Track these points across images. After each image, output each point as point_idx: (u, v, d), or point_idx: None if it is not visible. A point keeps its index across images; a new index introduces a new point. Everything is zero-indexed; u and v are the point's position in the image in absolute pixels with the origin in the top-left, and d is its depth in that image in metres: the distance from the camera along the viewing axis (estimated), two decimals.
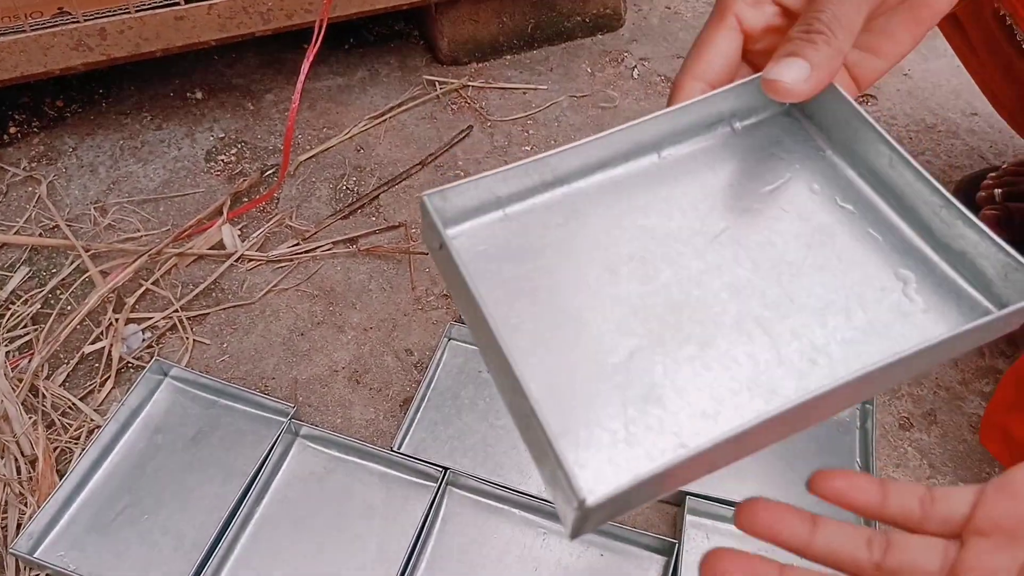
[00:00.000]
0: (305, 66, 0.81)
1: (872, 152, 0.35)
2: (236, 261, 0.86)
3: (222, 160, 0.97)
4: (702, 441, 0.26)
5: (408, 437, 0.71)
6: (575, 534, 0.27)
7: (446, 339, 0.77)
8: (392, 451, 0.69)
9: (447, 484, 0.67)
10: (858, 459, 0.70)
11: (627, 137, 0.35)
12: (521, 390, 0.27)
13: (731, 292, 0.32)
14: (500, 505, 0.68)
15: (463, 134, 1.00)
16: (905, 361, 0.28)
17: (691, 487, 0.68)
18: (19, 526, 0.66)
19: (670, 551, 0.64)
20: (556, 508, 0.27)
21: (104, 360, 0.77)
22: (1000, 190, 0.87)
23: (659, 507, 0.69)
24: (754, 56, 0.39)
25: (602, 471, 0.28)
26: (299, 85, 0.82)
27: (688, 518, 0.66)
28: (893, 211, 0.35)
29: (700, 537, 0.66)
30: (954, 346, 0.30)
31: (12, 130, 0.99)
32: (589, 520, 0.26)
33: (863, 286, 0.33)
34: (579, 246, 0.34)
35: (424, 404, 0.74)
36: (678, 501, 0.68)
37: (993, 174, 0.90)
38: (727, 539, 0.66)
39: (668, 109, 0.35)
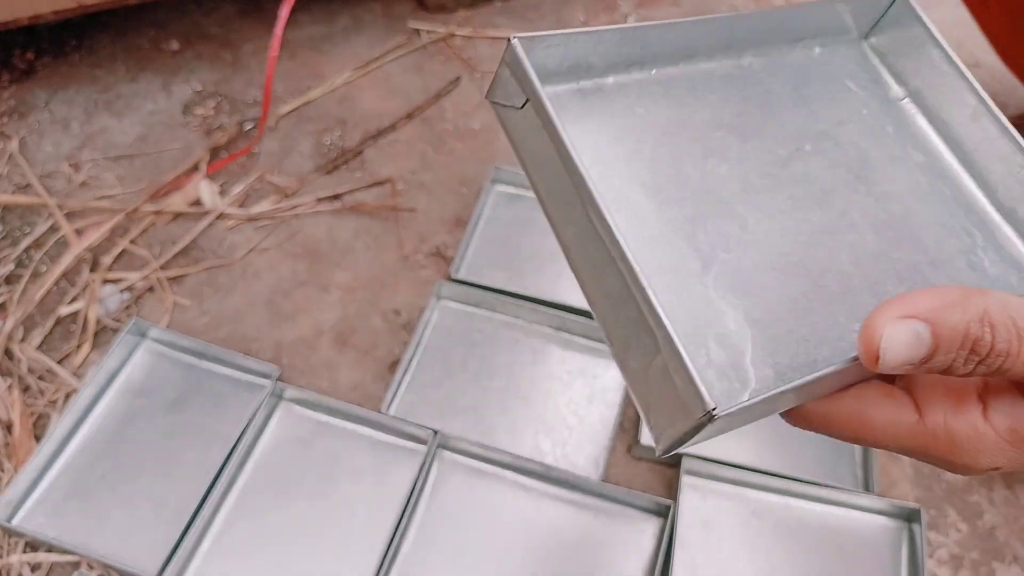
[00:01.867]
0: (283, 13, 0.77)
1: (955, 101, 0.34)
2: (216, 219, 0.82)
3: (199, 113, 0.93)
4: (811, 373, 0.25)
5: (397, 400, 0.69)
6: (670, 450, 0.26)
7: (435, 299, 0.75)
8: (381, 414, 0.67)
9: (437, 447, 0.66)
10: None
11: (722, 27, 0.33)
12: (638, 281, 0.25)
13: (814, 220, 0.31)
14: (492, 468, 0.66)
15: (451, 85, 0.97)
16: None
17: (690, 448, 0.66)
18: None
19: (666, 512, 0.63)
20: (653, 417, 0.25)
21: (81, 322, 0.75)
22: None
23: (655, 469, 0.68)
24: None
25: (708, 380, 0.26)
26: (277, 33, 0.78)
27: (684, 479, 0.64)
28: (961, 166, 0.34)
29: (696, 498, 0.64)
30: None
31: None
32: (698, 434, 0.24)
33: (936, 238, 0.32)
34: (658, 142, 0.31)
35: (413, 366, 0.72)
36: (674, 462, 0.67)
37: None
38: (724, 500, 0.65)
39: (763, 9, 0.34)
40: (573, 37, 0.29)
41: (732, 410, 0.23)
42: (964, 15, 0.83)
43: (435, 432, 0.65)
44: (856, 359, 0.26)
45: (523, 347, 0.73)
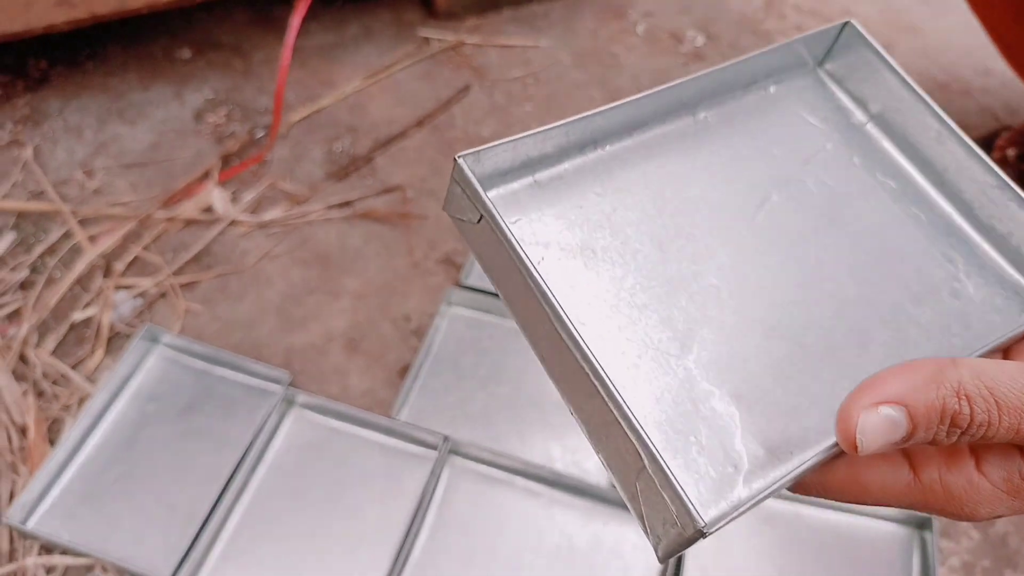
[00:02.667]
0: (294, 21, 0.78)
1: (918, 125, 0.33)
2: (227, 226, 0.83)
3: (211, 121, 0.94)
4: (807, 456, 0.25)
5: (407, 406, 0.70)
6: (669, 557, 0.25)
7: (445, 305, 0.75)
8: (391, 420, 0.67)
9: (448, 453, 0.66)
10: None
11: (671, 95, 0.33)
12: (614, 397, 0.24)
13: (788, 274, 0.30)
14: (502, 474, 0.66)
15: (461, 93, 0.97)
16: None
17: None
18: (11, 496, 0.65)
19: None
20: (646, 525, 0.25)
21: (95, 328, 0.75)
22: (1013, 151, 0.85)
23: None
24: None
25: (689, 484, 0.26)
26: (289, 42, 0.79)
27: None
28: (933, 187, 0.34)
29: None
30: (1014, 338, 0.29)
31: None
32: (691, 544, 0.24)
33: (917, 270, 0.32)
34: (621, 220, 0.31)
35: (423, 372, 0.72)
36: None
37: (1006, 134, 0.88)
38: None
39: (709, 69, 0.33)
40: (519, 142, 0.29)
41: (723, 524, 0.23)
42: (974, 23, 0.83)
43: (446, 438, 0.65)
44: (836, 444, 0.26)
45: (532, 354, 0.74)
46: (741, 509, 0.24)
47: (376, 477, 0.66)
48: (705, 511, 0.23)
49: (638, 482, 0.25)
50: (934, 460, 0.27)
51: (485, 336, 0.75)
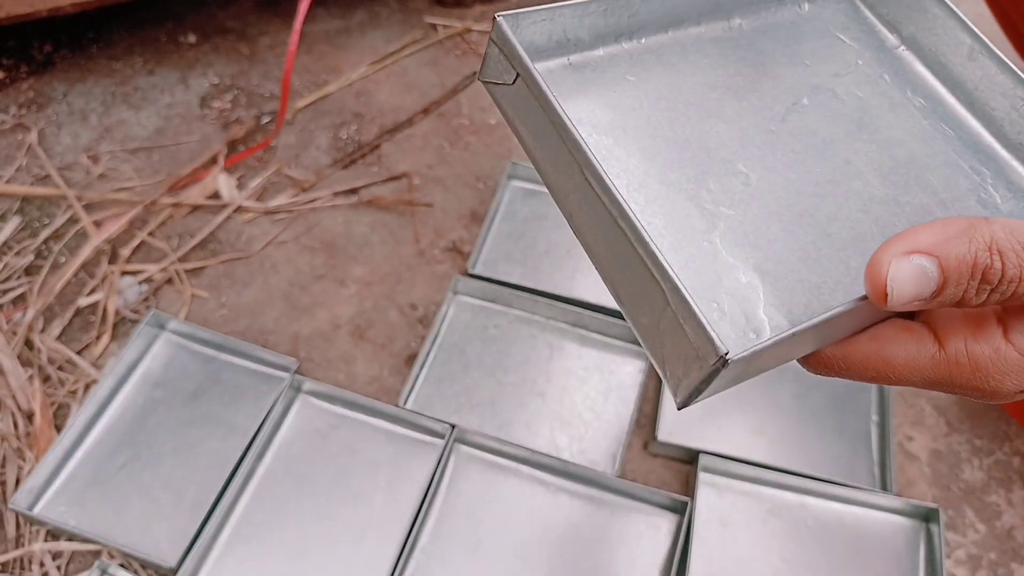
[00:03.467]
0: (302, 7, 0.77)
1: (950, 42, 0.34)
2: (233, 212, 0.83)
3: (217, 106, 0.93)
4: (825, 312, 0.25)
5: (414, 393, 0.70)
6: (688, 401, 0.25)
7: (451, 293, 0.75)
8: (398, 407, 0.67)
9: (454, 441, 0.66)
10: (874, 416, 0.69)
11: None
12: (640, 236, 0.24)
13: (817, 168, 0.31)
14: (508, 462, 0.66)
15: (467, 81, 0.96)
16: None
17: (705, 444, 0.66)
18: (17, 482, 0.65)
19: (683, 509, 0.63)
20: (669, 369, 0.25)
21: (100, 313, 0.75)
22: None
23: (671, 465, 0.68)
24: None
25: (720, 328, 0.26)
26: (296, 27, 0.78)
27: (701, 475, 0.64)
28: (963, 107, 0.34)
29: (713, 496, 0.64)
30: None
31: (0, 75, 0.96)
32: (714, 382, 0.24)
33: (945, 179, 0.32)
34: (653, 109, 0.31)
35: (430, 360, 0.72)
36: (691, 459, 0.67)
37: None
38: (741, 498, 0.65)
39: None
40: (558, 11, 0.30)
41: (745, 354, 0.23)
42: (980, 10, 0.83)
43: (452, 426, 0.65)
44: (866, 298, 0.25)
45: (539, 342, 0.74)
46: (762, 344, 0.24)
47: (383, 465, 0.66)
48: (730, 343, 0.23)
49: (661, 322, 0.25)
50: (960, 330, 0.27)
51: (492, 324, 0.75)
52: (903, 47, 0.36)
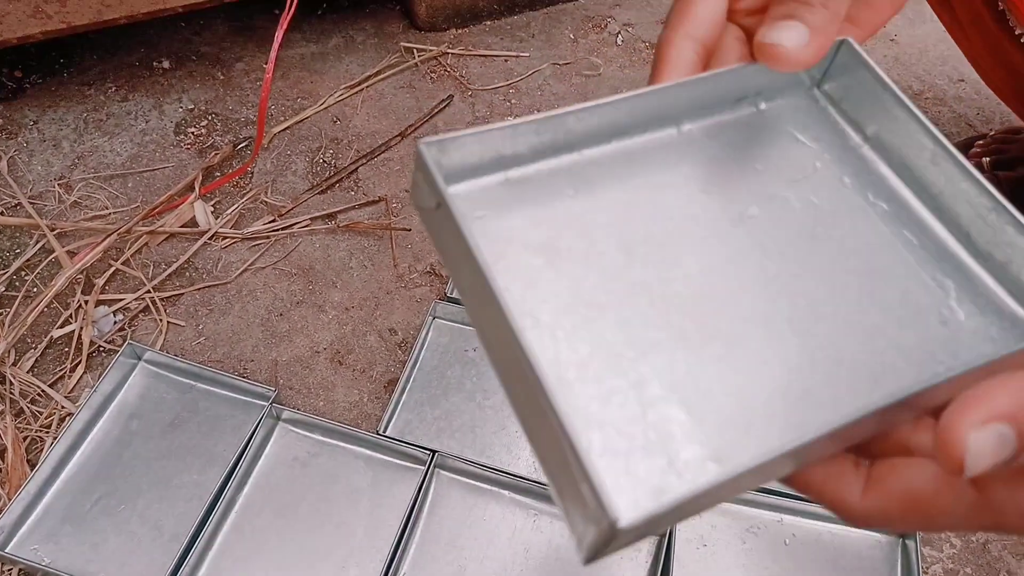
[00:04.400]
0: (279, 34, 0.77)
1: (913, 146, 0.32)
2: (210, 239, 0.82)
3: (192, 133, 0.93)
4: (743, 459, 0.23)
5: (394, 419, 0.70)
6: (592, 558, 0.24)
7: (431, 317, 0.75)
8: (378, 434, 0.67)
9: (435, 467, 0.66)
10: None
11: (650, 102, 0.31)
12: (537, 382, 0.23)
13: (759, 288, 0.29)
14: (489, 487, 0.66)
15: (443, 104, 0.97)
16: (959, 380, 0.25)
17: None
18: None
19: (663, 531, 0.63)
20: (570, 523, 0.24)
21: (74, 344, 0.74)
22: (988, 158, 0.87)
23: None
24: (738, 16, 0.36)
25: (623, 485, 0.24)
26: (273, 53, 0.78)
27: None
28: (928, 211, 0.32)
29: (692, 516, 0.65)
30: (1003, 365, 0.27)
31: None
32: (611, 544, 0.23)
33: (903, 293, 0.30)
34: (591, 222, 0.30)
35: (410, 385, 0.72)
36: None
37: (980, 142, 0.89)
38: (720, 518, 0.65)
39: (696, 76, 0.32)
40: (487, 134, 0.28)
41: (642, 521, 0.22)
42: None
43: (433, 453, 0.65)
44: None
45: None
46: (667, 506, 0.22)
47: (363, 492, 0.66)
48: (626, 508, 0.22)
49: (564, 477, 0.23)
50: (999, 480, 0.25)
51: (471, 347, 0.75)
52: (867, 146, 0.34)
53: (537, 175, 0.30)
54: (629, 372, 0.26)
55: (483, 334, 0.27)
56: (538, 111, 0.99)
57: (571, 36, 1.08)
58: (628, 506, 0.22)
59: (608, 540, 0.22)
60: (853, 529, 0.64)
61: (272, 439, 0.68)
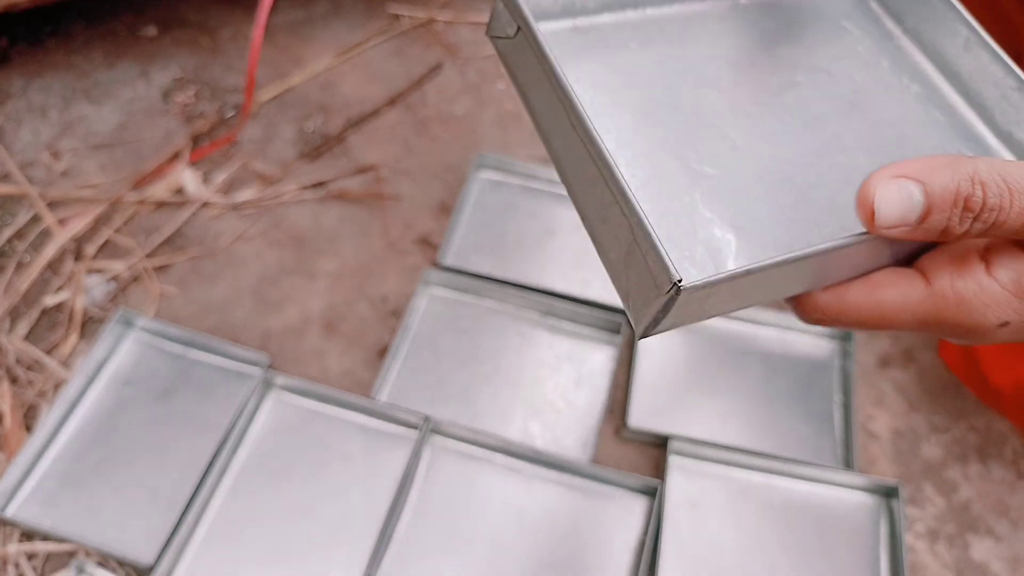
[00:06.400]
0: (267, 1, 0.76)
1: (948, 33, 0.35)
2: (200, 207, 0.82)
3: (180, 100, 0.92)
4: (788, 254, 0.26)
5: (387, 386, 0.70)
6: (648, 331, 0.26)
7: (423, 285, 0.75)
8: (372, 400, 0.67)
9: (428, 432, 0.67)
10: (837, 397, 0.71)
11: None
12: (612, 176, 0.26)
13: (802, 145, 0.32)
14: (482, 452, 0.67)
15: (433, 71, 0.97)
16: None
17: (675, 429, 0.68)
18: None
19: (654, 493, 0.64)
20: (631, 301, 0.26)
21: (67, 312, 0.74)
22: None
23: (642, 450, 0.69)
24: None
25: (682, 263, 0.27)
26: (261, 20, 0.78)
27: (672, 459, 0.66)
28: (957, 94, 0.35)
29: (683, 478, 0.66)
30: None
31: None
32: (671, 311, 0.25)
33: None
34: (652, 76, 0.32)
35: (402, 353, 0.72)
36: (661, 443, 0.68)
37: None
38: (711, 480, 0.66)
39: None
40: None
41: (698, 282, 0.24)
42: None
43: (427, 418, 0.66)
44: (842, 242, 0.27)
45: (511, 332, 0.74)
46: (722, 276, 0.25)
47: (357, 458, 0.66)
48: (685, 274, 0.24)
49: (627, 256, 0.26)
50: (945, 268, 0.28)
51: (463, 316, 0.75)
52: (905, 37, 0.37)
53: (603, 26, 0.34)
54: (682, 196, 0.29)
55: (556, 151, 0.30)
56: None
57: None
58: (687, 274, 0.25)
59: (669, 305, 0.25)
60: (840, 490, 0.66)
61: (265, 406, 0.68)
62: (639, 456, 0.69)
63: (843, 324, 0.29)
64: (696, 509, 0.65)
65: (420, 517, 0.64)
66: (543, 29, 0.31)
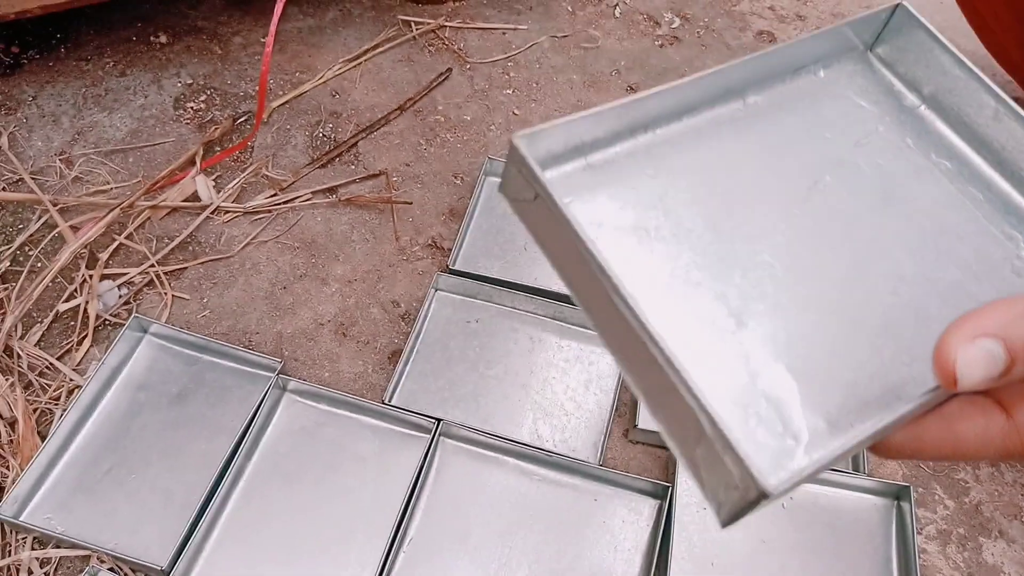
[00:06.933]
0: (278, 7, 0.77)
1: (973, 104, 0.33)
2: (212, 213, 0.83)
3: (191, 107, 0.93)
4: (858, 426, 0.25)
5: (399, 389, 0.71)
6: (732, 521, 0.25)
7: (433, 290, 0.76)
8: (383, 404, 0.68)
9: (440, 435, 0.67)
10: None
11: (718, 79, 0.33)
12: (668, 361, 0.24)
13: (842, 254, 0.31)
14: (493, 454, 0.67)
15: (442, 77, 0.97)
16: None
17: None
18: (2, 490, 0.65)
19: (663, 494, 0.65)
20: (707, 491, 0.25)
21: (80, 318, 0.75)
22: None
23: (651, 452, 0.69)
24: None
25: (756, 453, 0.25)
26: (272, 27, 0.78)
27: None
28: (990, 166, 0.34)
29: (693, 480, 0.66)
30: None
31: None
32: (756, 508, 0.24)
33: (975, 248, 0.31)
34: (674, 200, 0.31)
35: (413, 356, 0.73)
36: None
37: None
38: None
39: (759, 52, 0.33)
40: (574, 123, 0.30)
41: (786, 486, 0.23)
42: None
43: (438, 421, 0.66)
44: (923, 396, 0.26)
45: (520, 335, 0.75)
46: (807, 472, 0.24)
47: (369, 461, 0.67)
48: (768, 474, 0.23)
49: (698, 448, 0.24)
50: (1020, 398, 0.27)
51: (473, 319, 0.76)
52: (924, 106, 0.35)
53: (616, 158, 0.32)
54: (733, 344, 0.28)
55: (593, 315, 0.28)
56: (536, 84, 0.99)
57: (568, 8, 1.08)
58: (767, 472, 0.23)
59: (754, 504, 0.23)
60: (851, 493, 0.66)
61: (279, 409, 0.69)
62: (648, 458, 0.69)
63: (922, 459, 0.29)
64: (706, 510, 0.65)
65: (431, 518, 0.64)
66: (555, 175, 0.30)
